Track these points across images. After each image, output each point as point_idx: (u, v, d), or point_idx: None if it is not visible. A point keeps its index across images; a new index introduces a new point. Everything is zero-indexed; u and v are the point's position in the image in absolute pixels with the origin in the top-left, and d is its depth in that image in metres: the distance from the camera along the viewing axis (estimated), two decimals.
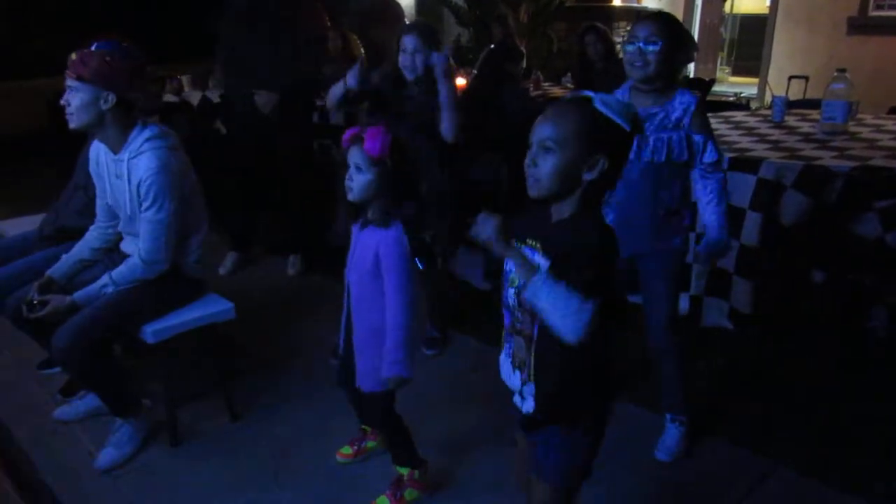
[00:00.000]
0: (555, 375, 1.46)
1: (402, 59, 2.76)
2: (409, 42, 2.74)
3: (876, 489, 2.20)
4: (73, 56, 2.23)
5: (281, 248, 4.19)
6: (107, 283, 2.32)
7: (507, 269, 1.49)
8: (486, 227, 1.39)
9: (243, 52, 3.73)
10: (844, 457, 2.35)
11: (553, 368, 1.45)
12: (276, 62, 3.62)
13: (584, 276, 1.31)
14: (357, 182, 1.90)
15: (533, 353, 1.46)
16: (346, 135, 1.93)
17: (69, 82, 2.23)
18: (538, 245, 1.41)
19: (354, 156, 1.89)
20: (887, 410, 2.61)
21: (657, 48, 2.07)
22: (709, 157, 2.16)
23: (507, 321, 1.54)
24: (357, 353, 2.05)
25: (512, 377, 1.54)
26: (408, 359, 1.94)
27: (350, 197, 1.93)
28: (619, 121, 1.34)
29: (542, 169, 1.36)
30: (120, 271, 2.33)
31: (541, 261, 1.39)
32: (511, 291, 1.48)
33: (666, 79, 2.14)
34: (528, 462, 1.59)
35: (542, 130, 1.36)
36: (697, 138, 2.15)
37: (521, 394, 1.51)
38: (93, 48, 2.28)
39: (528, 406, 1.50)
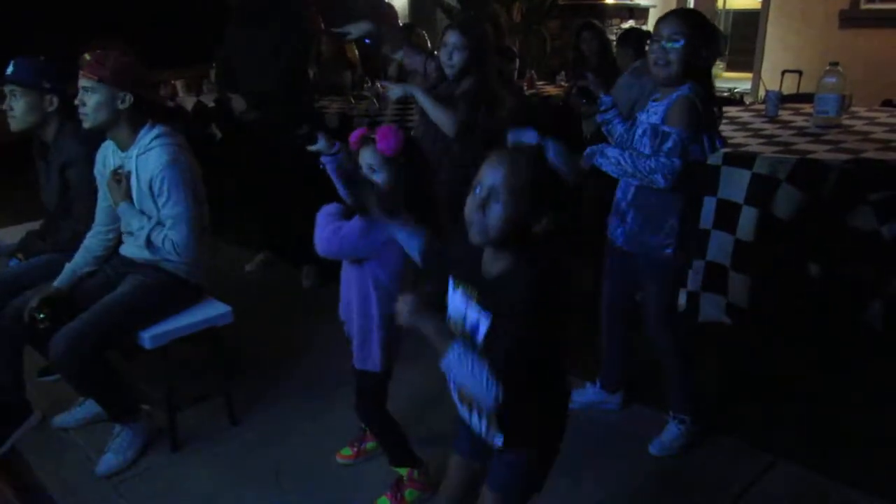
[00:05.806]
0: (508, 417, 1.44)
1: (442, 55, 2.71)
2: (449, 38, 2.67)
3: (876, 482, 2.20)
4: (88, 57, 2.22)
5: (293, 259, 3.99)
6: (146, 226, 2.31)
7: (449, 314, 1.45)
8: (405, 307, 1.39)
9: (237, 57, 3.74)
10: (845, 450, 2.36)
11: (505, 411, 1.42)
12: (258, 67, 3.61)
13: (507, 343, 1.30)
14: None
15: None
16: (353, 137, 1.91)
17: (84, 83, 2.22)
18: (475, 295, 1.39)
19: (367, 157, 1.86)
20: (885, 402, 2.62)
21: (679, 46, 2.00)
22: (667, 147, 2.00)
23: None
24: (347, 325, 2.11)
25: (462, 409, 1.53)
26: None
27: None
28: (565, 173, 1.29)
29: (490, 219, 1.30)
30: (166, 235, 2.31)
31: (474, 313, 1.37)
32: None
33: (691, 77, 2.05)
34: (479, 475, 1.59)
35: (494, 177, 1.30)
36: (665, 129, 2.02)
37: (484, 433, 1.49)
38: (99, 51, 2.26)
39: (495, 440, 1.49)
